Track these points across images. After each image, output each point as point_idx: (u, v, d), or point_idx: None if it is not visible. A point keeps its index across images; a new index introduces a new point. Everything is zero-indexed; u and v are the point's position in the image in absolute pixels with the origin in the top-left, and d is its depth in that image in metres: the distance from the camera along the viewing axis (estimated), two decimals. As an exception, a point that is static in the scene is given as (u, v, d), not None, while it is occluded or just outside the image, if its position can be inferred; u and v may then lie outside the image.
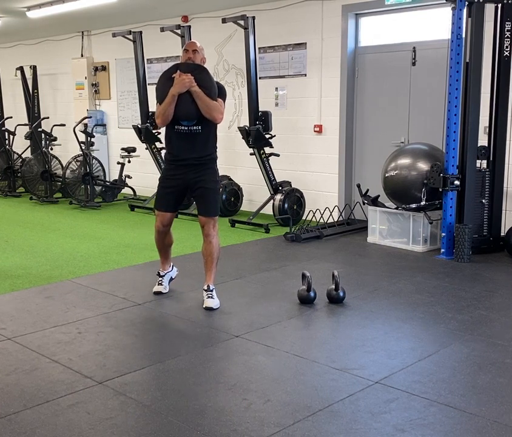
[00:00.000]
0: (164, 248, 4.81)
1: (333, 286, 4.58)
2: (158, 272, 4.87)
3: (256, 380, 3.29)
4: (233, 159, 8.71)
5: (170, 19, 9.06)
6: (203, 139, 4.48)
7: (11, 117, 10.81)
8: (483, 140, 6.11)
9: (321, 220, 7.31)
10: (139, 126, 8.89)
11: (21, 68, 11.10)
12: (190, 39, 8.21)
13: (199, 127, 4.43)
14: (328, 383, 3.26)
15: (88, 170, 9.12)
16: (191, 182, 4.53)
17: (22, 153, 10.69)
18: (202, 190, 4.51)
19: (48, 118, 10.45)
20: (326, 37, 7.69)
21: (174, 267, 4.98)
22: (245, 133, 7.58)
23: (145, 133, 8.83)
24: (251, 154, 7.75)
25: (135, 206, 9.03)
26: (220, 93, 4.48)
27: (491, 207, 6.15)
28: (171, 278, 4.94)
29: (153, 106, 9.21)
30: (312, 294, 4.57)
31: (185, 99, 4.35)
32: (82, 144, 9.14)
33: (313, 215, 7.24)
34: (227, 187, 8.24)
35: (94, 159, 9.32)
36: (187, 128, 4.43)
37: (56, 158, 10.02)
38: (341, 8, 7.49)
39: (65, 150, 10.60)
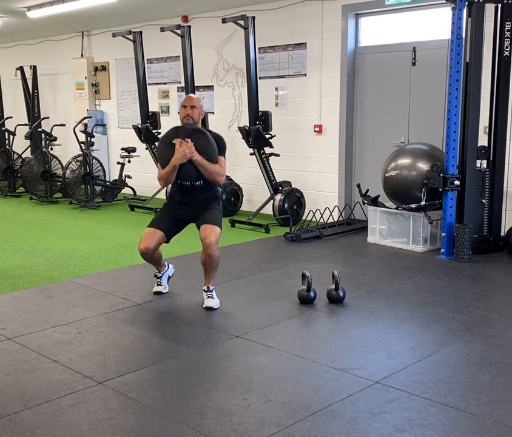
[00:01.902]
0: (152, 263, 4.77)
1: (333, 286, 4.58)
2: (155, 274, 4.87)
3: (256, 380, 3.29)
4: (233, 159, 8.71)
5: (170, 19, 9.06)
6: (205, 189, 4.55)
7: (11, 117, 10.81)
8: (483, 140, 6.11)
9: (321, 220, 7.31)
10: (139, 126, 8.90)
11: (21, 68, 11.10)
12: (190, 39, 8.24)
13: (201, 182, 4.51)
14: (328, 383, 3.26)
15: (88, 170, 9.12)
16: (194, 215, 4.57)
17: (22, 153, 10.69)
18: (204, 210, 4.55)
19: (48, 118, 10.45)
20: (326, 37, 7.69)
21: (170, 265, 4.96)
22: (245, 133, 7.58)
23: (145, 133, 8.84)
24: (251, 154, 7.75)
25: (135, 206, 9.03)
26: (220, 149, 4.52)
27: (491, 207, 6.15)
28: (169, 277, 4.94)
29: (153, 106, 9.31)
30: (312, 294, 4.57)
31: (187, 166, 4.42)
32: (82, 144, 9.15)
33: (313, 215, 7.24)
34: (227, 187, 8.24)
35: (94, 159, 9.32)
36: (189, 183, 4.51)
37: (56, 158, 10.02)
38: (341, 8, 7.49)
39: (65, 150, 10.60)
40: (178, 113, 4.55)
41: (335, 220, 7.37)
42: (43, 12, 8.77)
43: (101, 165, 9.47)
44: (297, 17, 7.91)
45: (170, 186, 4.72)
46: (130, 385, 3.23)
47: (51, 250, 6.38)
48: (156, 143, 8.90)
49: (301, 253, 6.24)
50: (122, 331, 4.05)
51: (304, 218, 7.62)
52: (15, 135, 10.54)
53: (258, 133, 7.49)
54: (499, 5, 5.92)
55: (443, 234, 6.05)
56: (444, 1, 5.92)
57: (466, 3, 5.74)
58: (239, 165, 8.70)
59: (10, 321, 4.22)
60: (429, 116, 7.08)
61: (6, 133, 10.54)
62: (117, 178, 9.62)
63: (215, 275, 4.57)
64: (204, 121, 4.75)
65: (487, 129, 6.16)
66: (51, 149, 10.00)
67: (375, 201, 6.83)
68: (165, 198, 8.14)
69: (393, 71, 7.36)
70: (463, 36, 5.81)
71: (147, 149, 9.06)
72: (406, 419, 2.87)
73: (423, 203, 6.20)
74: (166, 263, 4.92)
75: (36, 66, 11.12)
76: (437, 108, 6.96)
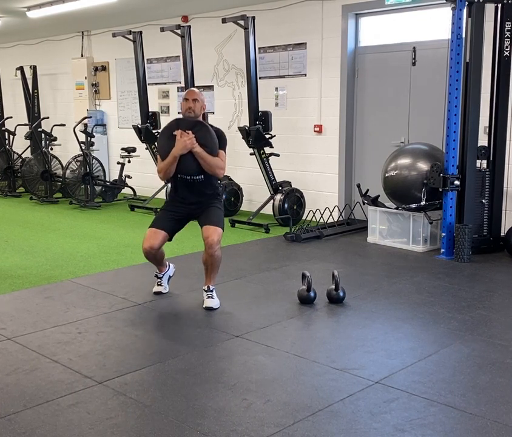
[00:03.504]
0: (155, 263, 4.78)
1: (333, 286, 4.58)
2: (156, 274, 4.87)
3: (256, 380, 3.29)
4: (233, 159, 8.71)
5: (170, 19, 9.07)
6: (206, 183, 4.55)
7: (11, 117, 10.81)
8: (483, 140, 6.11)
9: (321, 220, 7.31)
10: (139, 126, 8.90)
11: (21, 68, 11.10)
12: (190, 39, 8.24)
13: (202, 177, 4.50)
14: (328, 383, 3.26)
15: (88, 170, 9.12)
16: (195, 213, 4.59)
17: (22, 153, 10.69)
18: (207, 208, 4.55)
19: (48, 118, 10.45)
20: (326, 37, 7.69)
21: (170, 265, 4.97)
22: (245, 133, 7.58)
23: (145, 133, 8.84)
24: (251, 154, 7.75)
25: (135, 206, 9.03)
26: (221, 143, 4.52)
27: (491, 207, 6.15)
28: (170, 277, 4.94)
29: (153, 106, 9.31)
30: (312, 294, 4.57)
31: (187, 158, 4.41)
32: (82, 144, 9.15)
33: (313, 215, 7.24)
34: (227, 187, 8.24)
35: (94, 159, 9.32)
36: (189, 177, 4.51)
37: (56, 158, 10.03)
38: (341, 8, 7.49)
39: (65, 150, 10.61)
40: (179, 112, 4.55)
41: (335, 220, 7.37)
42: (43, 12, 8.76)
43: (101, 165, 9.47)
44: (297, 17, 7.91)
45: (170, 184, 4.73)
46: (130, 385, 3.23)
47: (51, 250, 6.38)
48: (156, 143, 8.91)
49: (301, 253, 6.24)
50: (122, 331, 4.05)
51: (304, 218, 7.62)
52: (15, 135, 10.54)
53: (258, 133, 7.49)
54: (499, 5, 5.92)
55: (443, 234, 6.05)
56: (444, 1, 5.93)
57: (466, 3, 5.74)
58: (239, 165, 8.70)
59: (10, 321, 4.22)
60: (429, 116, 7.08)
61: (6, 133, 10.54)
62: (117, 178, 9.62)
63: (215, 276, 4.57)
64: (205, 117, 4.76)
65: (487, 129, 6.16)
66: (51, 149, 10.00)
67: (375, 201, 6.82)
68: (165, 198, 8.16)
69: (393, 71, 7.36)
70: (463, 36, 5.81)
71: (147, 149, 9.06)
72: (406, 419, 2.87)
73: (423, 203, 6.20)
74: (167, 263, 4.92)
75: (36, 66, 11.11)
76: (437, 108, 6.96)
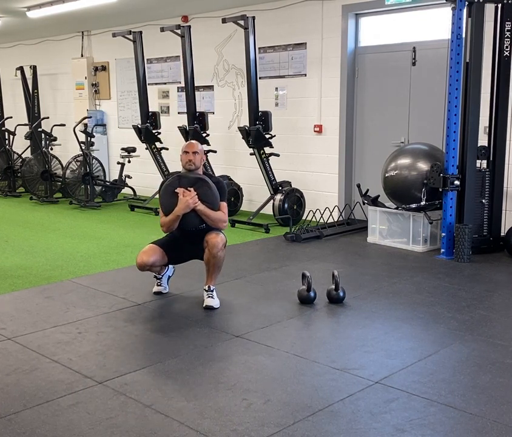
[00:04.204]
0: (152, 272, 4.81)
1: (333, 286, 4.58)
2: (155, 275, 4.88)
3: (256, 380, 3.29)
4: (233, 159, 8.72)
5: (170, 19, 9.06)
6: (209, 228, 4.57)
7: (11, 117, 10.81)
8: (483, 140, 6.11)
9: (321, 220, 7.31)
10: (139, 126, 8.90)
11: (21, 68, 11.09)
12: (190, 39, 8.24)
13: (204, 225, 4.54)
14: (328, 383, 3.26)
15: (88, 170, 9.12)
16: (198, 249, 4.60)
17: (22, 153, 10.69)
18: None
19: (48, 118, 10.44)
20: (326, 37, 7.69)
21: (169, 265, 4.97)
22: (245, 133, 7.58)
23: (145, 133, 8.84)
24: (251, 154, 7.75)
25: (135, 206, 9.03)
26: (221, 195, 4.59)
27: (491, 207, 6.15)
28: (169, 277, 4.95)
29: (153, 106, 9.31)
30: (312, 294, 4.57)
31: (190, 215, 4.46)
32: (82, 144, 9.15)
33: (313, 215, 7.24)
34: (227, 187, 8.23)
35: (94, 159, 9.32)
36: (194, 229, 4.56)
37: (56, 158, 10.02)
38: (341, 8, 7.49)
39: (65, 150, 10.60)
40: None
41: (335, 220, 7.37)
42: (43, 12, 8.77)
43: (101, 165, 9.47)
44: (297, 17, 7.91)
45: None
46: (130, 385, 3.23)
47: (51, 250, 6.38)
48: (156, 143, 8.92)
49: (301, 253, 6.24)
50: (122, 331, 4.05)
51: (304, 218, 7.62)
52: (15, 135, 10.54)
53: (258, 133, 7.49)
54: (499, 5, 5.92)
55: (443, 234, 6.05)
56: (444, 1, 5.92)
57: (466, 3, 5.74)
58: (239, 165, 8.70)
59: (10, 321, 4.22)
60: (429, 116, 7.08)
61: (6, 133, 10.54)
62: (117, 178, 9.62)
63: (217, 276, 4.59)
64: (206, 167, 4.80)
65: (487, 129, 6.16)
66: (51, 149, 10.00)
67: (375, 201, 6.83)
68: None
69: (393, 71, 7.35)
70: (463, 36, 5.81)
71: (147, 148, 9.05)
72: (406, 419, 2.87)
73: (423, 203, 6.20)
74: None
75: (36, 66, 11.11)
76: (437, 108, 6.96)
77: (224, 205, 4.61)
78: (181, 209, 4.42)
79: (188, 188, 4.45)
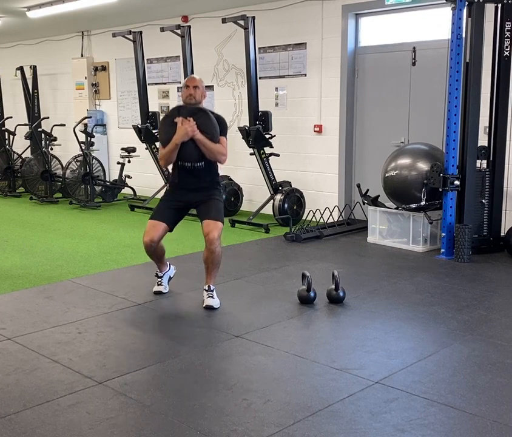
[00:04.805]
0: (156, 259, 4.78)
1: (333, 286, 4.58)
2: (156, 274, 4.88)
3: (256, 380, 3.29)
4: (233, 159, 8.70)
5: (170, 19, 9.06)
6: (206, 170, 4.56)
7: (11, 117, 10.81)
8: (483, 140, 6.11)
9: (321, 220, 7.31)
10: (139, 126, 8.90)
11: (21, 68, 11.09)
12: (190, 39, 8.24)
13: (202, 163, 4.51)
14: (328, 383, 3.26)
15: (88, 170, 9.12)
16: (195, 201, 4.59)
17: (22, 153, 10.68)
18: (207, 200, 4.56)
19: (48, 118, 10.44)
20: (326, 37, 7.69)
21: (171, 266, 4.98)
22: (245, 133, 7.58)
23: (145, 133, 8.84)
24: (251, 154, 7.75)
25: (135, 206, 9.03)
26: (222, 129, 4.54)
27: (491, 207, 6.15)
28: (170, 277, 4.95)
29: (153, 106, 9.31)
30: (312, 294, 4.57)
31: (189, 145, 4.42)
32: (82, 144, 9.15)
33: (313, 215, 7.24)
34: (227, 187, 8.24)
35: (94, 159, 9.32)
36: (190, 165, 4.52)
37: (56, 158, 10.02)
38: (341, 8, 7.49)
39: (65, 150, 10.60)
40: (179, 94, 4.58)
41: (335, 220, 7.37)
42: (43, 12, 8.76)
43: (101, 165, 9.47)
44: (297, 17, 7.91)
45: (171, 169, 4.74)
46: (130, 385, 3.23)
47: (51, 250, 6.38)
48: (156, 143, 8.91)
49: (301, 253, 6.24)
50: (122, 331, 4.05)
51: (304, 218, 7.62)
52: (15, 135, 10.54)
53: (258, 133, 7.49)
54: (499, 5, 5.92)
55: (443, 234, 6.05)
56: (444, 1, 5.92)
57: (466, 3, 5.74)
58: (239, 165, 8.70)
59: (9, 321, 4.22)
60: (429, 116, 7.08)
61: (6, 133, 10.54)
62: (117, 178, 9.62)
63: (216, 274, 4.58)
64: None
65: (487, 129, 6.16)
66: (51, 149, 10.00)
67: (375, 201, 6.82)
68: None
69: (393, 71, 7.35)
70: (463, 36, 5.81)
71: (147, 148, 9.05)
72: (406, 419, 2.87)
73: (423, 203, 6.20)
74: (168, 263, 4.93)
75: (36, 66, 11.11)
76: (437, 108, 6.96)
77: (223, 140, 4.53)
78: (180, 136, 4.36)
79: (188, 118, 4.39)
